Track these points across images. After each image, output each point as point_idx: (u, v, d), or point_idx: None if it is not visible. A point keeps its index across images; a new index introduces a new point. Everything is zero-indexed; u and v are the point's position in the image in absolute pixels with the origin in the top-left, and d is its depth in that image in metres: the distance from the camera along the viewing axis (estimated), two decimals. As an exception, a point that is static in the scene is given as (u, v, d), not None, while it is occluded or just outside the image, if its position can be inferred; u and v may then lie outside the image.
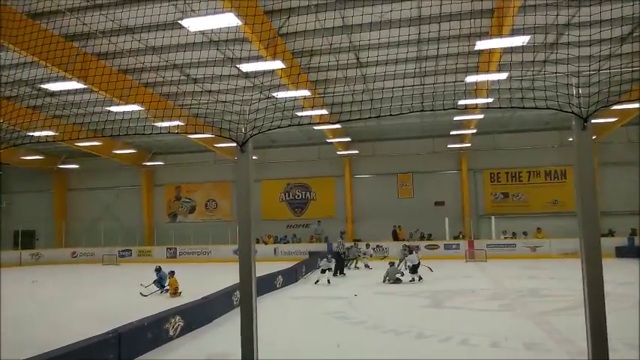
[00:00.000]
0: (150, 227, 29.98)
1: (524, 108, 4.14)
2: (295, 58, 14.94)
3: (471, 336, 8.49)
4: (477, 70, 15.40)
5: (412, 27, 12.31)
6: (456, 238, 24.92)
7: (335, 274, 17.61)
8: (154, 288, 14.24)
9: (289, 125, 3.95)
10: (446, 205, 26.59)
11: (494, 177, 26.49)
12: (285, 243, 26.95)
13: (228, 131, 3.56)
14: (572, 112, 3.38)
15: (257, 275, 15.34)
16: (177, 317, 9.08)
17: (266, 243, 26.86)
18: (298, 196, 28.95)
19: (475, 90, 16.62)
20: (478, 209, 26.56)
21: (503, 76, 14.21)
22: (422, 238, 25.12)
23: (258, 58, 13.78)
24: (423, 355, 7.70)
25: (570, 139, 17.45)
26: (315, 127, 22.79)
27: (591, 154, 3.42)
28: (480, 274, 17.44)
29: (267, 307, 12.20)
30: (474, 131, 22.96)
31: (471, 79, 15.10)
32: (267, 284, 14.14)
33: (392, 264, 15.79)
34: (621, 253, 21.93)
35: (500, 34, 12.52)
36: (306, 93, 15.82)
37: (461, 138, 25.14)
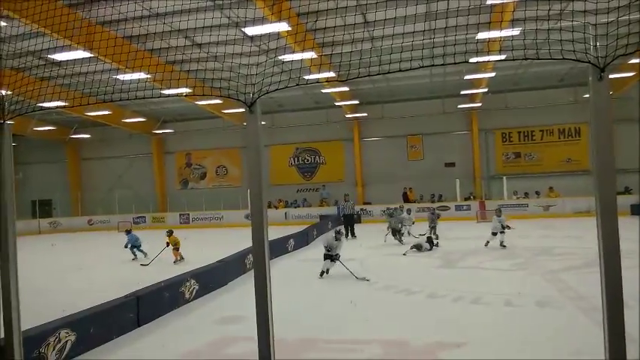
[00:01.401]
0: (162, 194, 30.34)
1: (539, 59, 4.00)
2: (300, 21, 14.60)
3: (483, 295, 8.59)
4: (489, 27, 14.96)
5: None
6: (467, 199, 24.89)
7: (346, 236, 17.75)
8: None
9: (297, 85, 3.86)
10: (456, 166, 26.45)
11: (505, 137, 26.15)
12: (295, 207, 27.16)
13: (236, 93, 3.50)
14: (589, 62, 3.26)
15: (269, 239, 15.48)
16: (193, 280, 9.28)
17: (277, 207, 27.09)
18: (307, 161, 28.94)
19: (488, 46, 16.16)
20: (489, 170, 26.38)
21: (517, 31, 13.79)
22: (432, 199, 25.12)
23: (263, 21, 13.50)
24: (435, 314, 7.82)
25: (586, 96, 17.03)
26: (323, 91, 22.53)
27: (609, 105, 3.32)
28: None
29: (280, 268, 12.43)
30: (485, 90, 22.54)
31: (483, 35, 14.69)
32: (280, 247, 14.34)
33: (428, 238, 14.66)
34: (637, 210, 21.75)
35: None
36: (312, 55, 15.54)
37: (471, 97, 24.72)
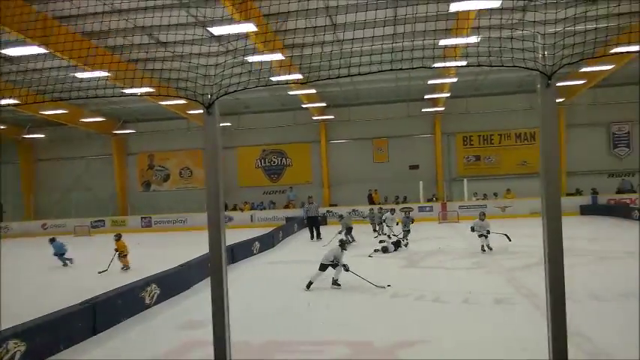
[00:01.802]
0: (123, 197, 29.55)
1: (492, 66, 4.15)
2: (267, 22, 14.55)
3: (444, 293, 8.79)
4: (451, 34, 15.32)
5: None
6: (429, 200, 25.39)
7: (311, 238, 17.82)
8: (114, 262, 12.94)
9: (257, 87, 3.85)
10: (420, 169, 26.96)
11: (466, 140, 26.85)
12: (261, 209, 26.98)
13: (193, 93, 3.45)
14: (538, 70, 3.41)
15: (234, 242, 15.31)
16: (154, 285, 9.08)
17: (242, 210, 26.86)
18: (274, 163, 28.84)
19: (444, 53, 16.56)
20: (451, 172, 27.01)
21: (477, 39, 14.19)
22: (397, 201, 25.49)
23: (230, 21, 13.38)
24: (398, 313, 7.95)
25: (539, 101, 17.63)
26: (290, 93, 22.52)
27: (555, 111, 3.48)
28: (453, 234, 17.88)
29: (244, 271, 12.33)
30: (448, 95, 23.06)
31: (445, 42, 15.05)
32: (245, 250, 14.22)
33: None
34: (585, 210, 22.76)
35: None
36: (278, 57, 15.51)
37: (435, 102, 25.27)
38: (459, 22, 14.39)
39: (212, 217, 3.63)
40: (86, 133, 28.46)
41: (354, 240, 16.11)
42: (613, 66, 19.20)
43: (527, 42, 3.83)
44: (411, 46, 4.41)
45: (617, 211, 21.50)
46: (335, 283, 9.96)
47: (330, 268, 10.00)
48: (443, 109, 25.31)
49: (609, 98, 24.41)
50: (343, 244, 10.36)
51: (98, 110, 26.15)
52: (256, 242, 15.15)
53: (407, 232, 15.59)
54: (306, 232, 18.98)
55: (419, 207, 24.12)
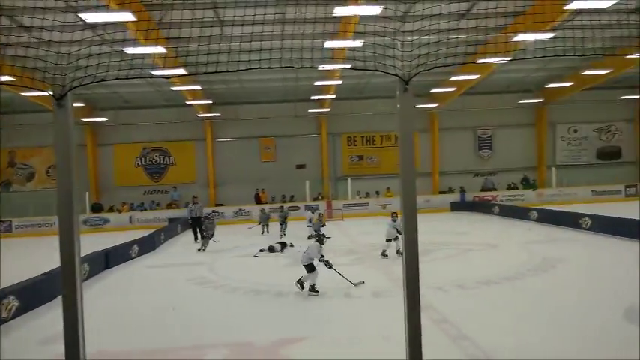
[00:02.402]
0: (-24, 199, 25.96)
1: (354, 69, 4.37)
2: (148, 12, 13.75)
3: (327, 289, 9.03)
4: (335, 36, 15.83)
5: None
6: (315, 199, 25.99)
7: (195, 239, 17.27)
8: None
9: (118, 78, 3.59)
10: (307, 168, 27.48)
11: (351, 141, 27.97)
12: (141, 210, 25.47)
13: (42, 82, 3.11)
14: (397, 75, 3.65)
15: (110, 245, 14.25)
16: (12, 297, 8.12)
17: (120, 211, 25.13)
18: (156, 161, 27.41)
19: (338, 52, 17.07)
20: (336, 171, 27.93)
21: (359, 43, 14.83)
22: (284, 200, 25.71)
23: (106, 9, 12.39)
24: (280, 311, 8.01)
25: (418, 106, 18.96)
26: (173, 88, 21.57)
27: (412, 114, 3.76)
28: (337, 232, 18.51)
29: (121, 277, 11.56)
30: (334, 96, 23.80)
31: (329, 44, 15.49)
32: (121, 254, 13.32)
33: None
34: (455, 207, 25.01)
35: (356, 2, 13.01)
36: (160, 50, 14.73)
37: (321, 103, 25.94)
38: (343, 27, 14.93)
39: (64, 224, 3.27)
40: None
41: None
42: (478, 76, 21.33)
43: (392, 49, 4.09)
44: (300, 45, 4.47)
45: (481, 207, 23.91)
46: (312, 289, 8.84)
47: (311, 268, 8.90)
48: (329, 110, 26.08)
49: (475, 105, 27.02)
50: (321, 239, 9.60)
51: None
52: (135, 245, 14.26)
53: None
54: (190, 234, 18.34)
55: (305, 206, 24.57)
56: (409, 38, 4.00)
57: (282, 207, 19.73)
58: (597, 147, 28.70)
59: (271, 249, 14.05)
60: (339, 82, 21.52)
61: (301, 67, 4.03)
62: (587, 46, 5.22)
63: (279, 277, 10.50)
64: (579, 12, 14.05)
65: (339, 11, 12.93)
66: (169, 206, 25.84)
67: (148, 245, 15.23)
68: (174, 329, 7.30)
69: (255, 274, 11.26)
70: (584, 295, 8.16)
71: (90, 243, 10.87)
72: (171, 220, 22.25)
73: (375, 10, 12.61)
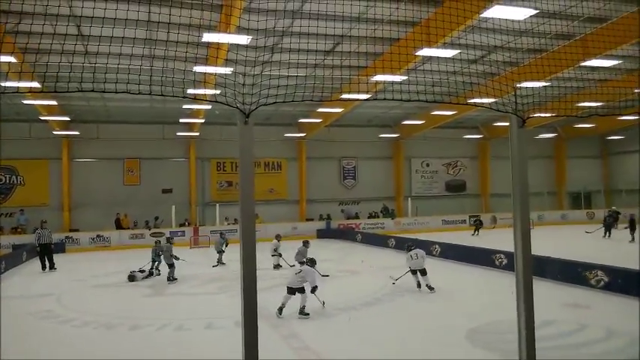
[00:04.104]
0: None
1: (196, 99, 4.67)
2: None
3: (186, 321, 8.88)
4: (205, 62, 15.87)
5: (142, 5, 11.81)
6: (182, 225, 25.20)
7: (43, 268, 15.72)
8: None
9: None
10: (174, 193, 26.57)
11: (220, 166, 27.79)
12: (-23, 236, 22.29)
13: None
14: (237, 107, 4.03)
15: None
16: None
17: (-52, 237, 21.71)
18: (1, 181, 24.36)
19: (210, 77, 17.05)
20: (205, 196, 27.46)
21: (229, 70, 15.07)
22: (147, 226, 24.51)
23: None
24: (136, 346, 7.70)
25: (286, 135, 19.80)
26: (25, 102, 19.57)
27: (252, 146, 4.14)
28: (203, 259, 18.21)
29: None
30: (203, 121, 23.60)
31: (199, 69, 15.47)
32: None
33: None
34: (320, 234, 26.12)
35: (226, 30, 13.26)
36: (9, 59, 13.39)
37: (190, 126, 25.51)
38: (214, 53, 15.03)
39: None
40: None
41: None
42: (342, 109, 22.90)
43: (235, 79, 4.36)
44: (167, 72, 4.57)
45: (346, 235, 25.27)
46: (302, 312, 8.92)
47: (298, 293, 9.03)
48: (198, 134, 25.73)
49: (341, 137, 28.75)
50: (313, 262, 9.65)
51: None
52: (-35, 278, 12.52)
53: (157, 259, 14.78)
54: (37, 262, 16.57)
55: (170, 232, 23.62)
56: (252, 72, 4.38)
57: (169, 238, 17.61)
58: (445, 180, 32.31)
59: (131, 278, 13.36)
60: (209, 106, 21.47)
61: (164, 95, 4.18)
62: (436, 93, 5.92)
63: (136, 309, 10.08)
64: (429, 58, 16.02)
65: (208, 37, 13.02)
66: (14, 231, 23.02)
67: (-18, 277, 13.46)
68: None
69: (110, 306, 10.62)
70: (432, 317, 9.02)
71: None
72: (15, 247, 19.88)
73: (243, 39, 12.82)
